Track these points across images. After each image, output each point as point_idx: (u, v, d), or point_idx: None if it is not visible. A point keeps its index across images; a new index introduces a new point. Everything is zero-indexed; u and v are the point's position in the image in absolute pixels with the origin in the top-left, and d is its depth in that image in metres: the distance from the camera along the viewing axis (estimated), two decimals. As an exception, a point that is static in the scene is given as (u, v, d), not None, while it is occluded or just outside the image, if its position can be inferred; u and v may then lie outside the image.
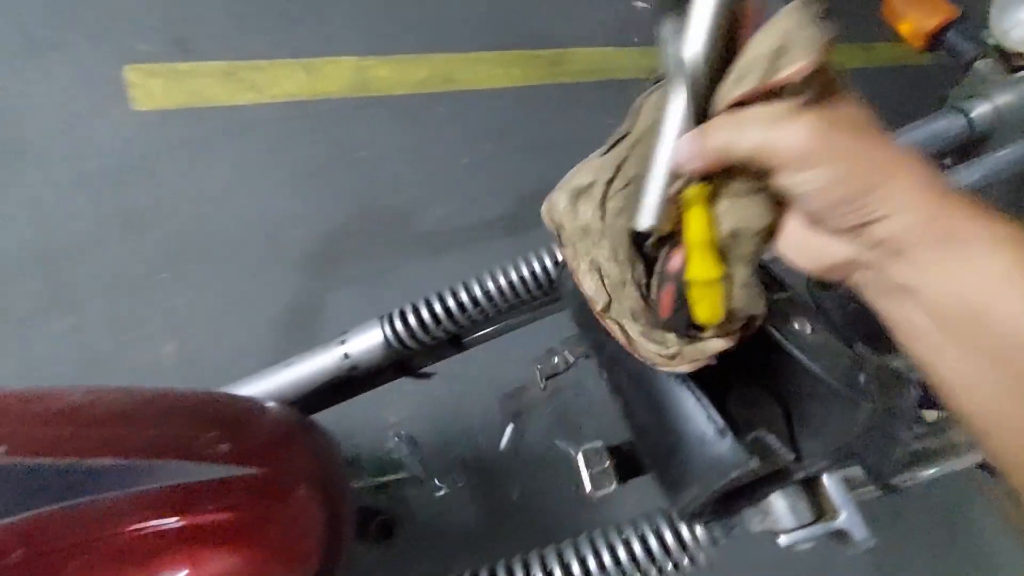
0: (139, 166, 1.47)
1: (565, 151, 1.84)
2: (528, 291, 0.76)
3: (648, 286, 0.47)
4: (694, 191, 0.41)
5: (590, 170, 0.48)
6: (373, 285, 1.47)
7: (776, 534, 0.56)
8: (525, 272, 0.75)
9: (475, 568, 0.62)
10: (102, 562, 0.46)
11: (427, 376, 0.89)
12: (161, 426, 0.54)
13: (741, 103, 0.37)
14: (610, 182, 0.47)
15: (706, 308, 0.43)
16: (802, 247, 0.41)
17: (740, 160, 0.38)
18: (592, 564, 0.58)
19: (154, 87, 1.55)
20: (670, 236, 0.45)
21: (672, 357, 0.47)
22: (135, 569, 0.48)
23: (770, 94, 0.37)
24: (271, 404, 0.71)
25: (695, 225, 0.41)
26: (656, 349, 0.48)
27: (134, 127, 1.50)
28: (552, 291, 0.77)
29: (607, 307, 0.49)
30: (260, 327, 1.36)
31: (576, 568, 0.58)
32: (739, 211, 0.41)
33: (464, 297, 0.76)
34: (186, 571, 0.50)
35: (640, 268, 0.47)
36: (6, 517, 0.42)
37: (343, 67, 1.75)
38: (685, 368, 0.48)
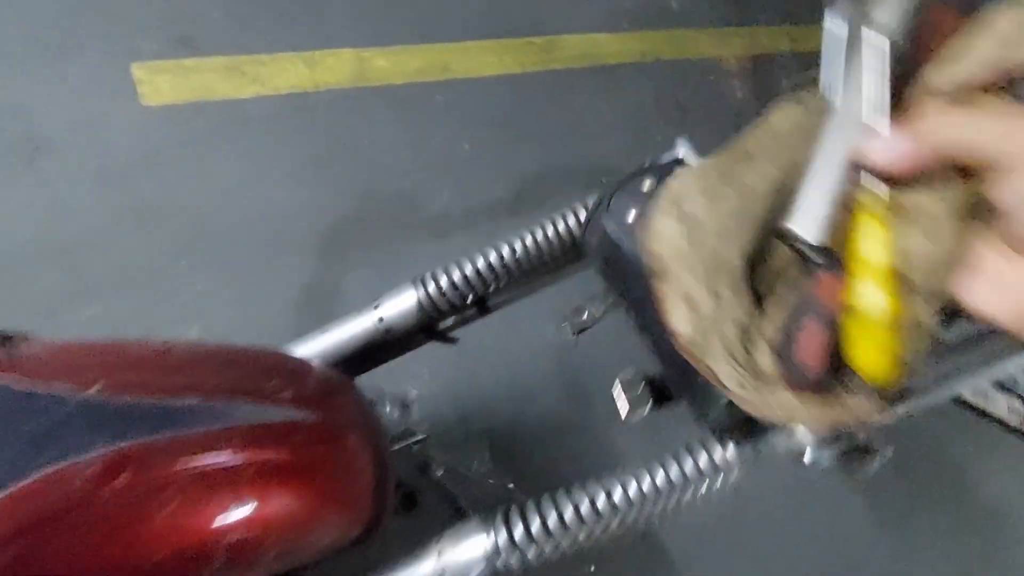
0: (151, 159, 1.50)
1: (561, 135, 1.91)
2: (552, 251, 0.80)
3: (749, 329, 0.40)
4: (873, 199, 0.33)
5: (690, 183, 0.42)
6: (384, 268, 1.51)
7: (800, 454, 0.60)
8: (550, 232, 0.79)
9: (522, 503, 0.67)
10: (188, 491, 0.50)
11: (453, 341, 0.93)
12: (229, 373, 0.58)
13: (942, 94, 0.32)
14: (712, 197, 0.40)
15: (873, 353, 0.33)
16: (1002, 284, 0.32)
17: (965, 157, 0.31)
18: (632, 488, 0.62)
19: (161, 83, 1.58)
20: (800, 263, 0.38)
21: (790, 413, 0.39)
22: (214, 499, 0.52)
23: (994, 86, 0.32)
24: (317, 363, 0.75)
25: (871, 241, 0.33)
26: (760, 403, 0.39)
27: (144, 122, 1.53)
28: (575, 251, 0.81)
29: (696, 346, 0.41)
30: (278, 310, 1.40)
31: (617, 494, 0.62)
32: (929, 231, 0.33)
33: (493, 258, 0.80)
34: (255, 504, 0.54)
35: (746, 301, 0.39)
36: (110, 444, 0.46)
37: (342, 59, 1.79)
38: (806, 423, 0.40)
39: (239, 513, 0.52)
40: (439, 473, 1.22)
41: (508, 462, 1.32)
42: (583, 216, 0.79)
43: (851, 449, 0.59)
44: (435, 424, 1.30)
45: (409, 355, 0.92)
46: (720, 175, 0.40)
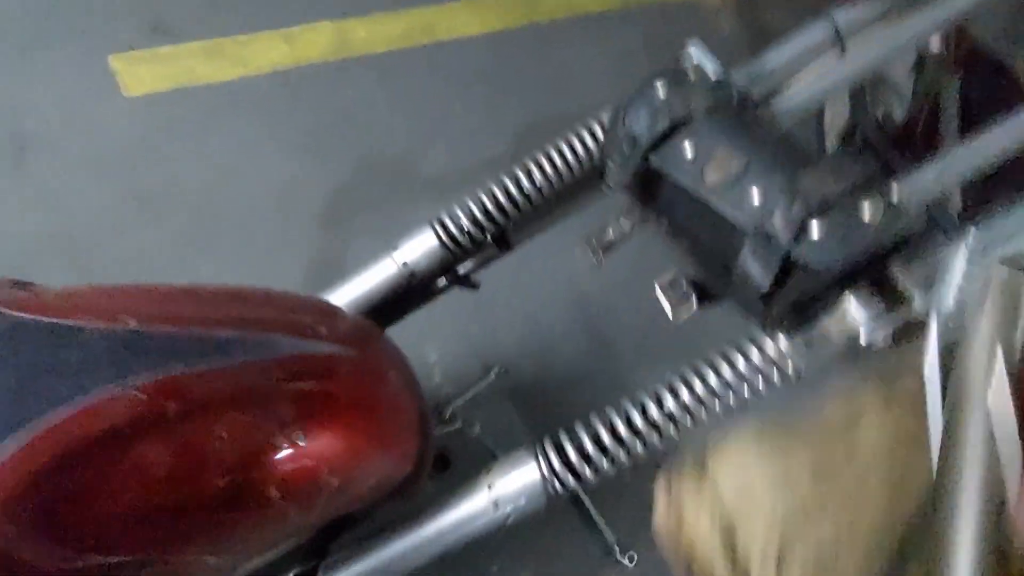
0: (141, 149, 1.48)
1: (553, 87, 1.87)
2: (571, 173, 0.78)
3: None
4: None
5: (762, 470, 0.36)
6: (389, 231, 1.47)
7: (854, 337, 0.58)
8: (567, 153, 0.77)
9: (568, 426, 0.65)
10: (237, 421, 0.48)
11: (475, 286, 0.91)
12: (263, 309, 0.57)
13: None
14: (810, 519, 0.34)
15: None
16: None
17: None
18: (684, 393, 0.61)
19: (142, 73, 1.56)
20: None
21: None
22: (263, 429, 0.50)
23: None
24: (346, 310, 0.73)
25: None
26: None
27: (129, 113, 1.51)
28: (594, 170, 0.79)
29: None
30: (290, 285, 1.38)
31: (669, 401, 0.61)
32: None
33: (511, 186, 0.78)
34: (304, 434, 0.52)
35: None
36: (151, 374, 0.44)
37: (321, 32, 1.76)
38: None
39: (289, 443, 0.51)
40: (475, 432, 1.21)
41: (534, 414, 1.30)
42: (599, 133, 0.76)
43: (907, 323, 0.56)
44: (459, 383, 1.29)
45: (427, 316, 0.90)
46: (813, 487, 0.34)
